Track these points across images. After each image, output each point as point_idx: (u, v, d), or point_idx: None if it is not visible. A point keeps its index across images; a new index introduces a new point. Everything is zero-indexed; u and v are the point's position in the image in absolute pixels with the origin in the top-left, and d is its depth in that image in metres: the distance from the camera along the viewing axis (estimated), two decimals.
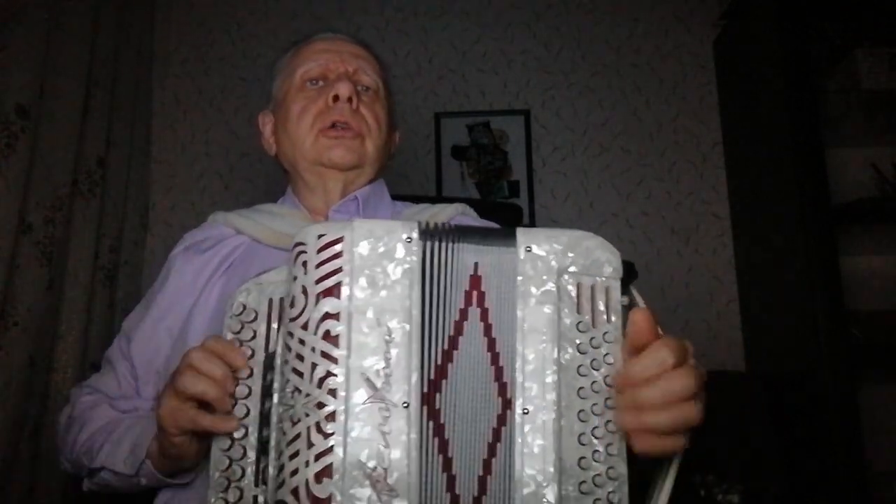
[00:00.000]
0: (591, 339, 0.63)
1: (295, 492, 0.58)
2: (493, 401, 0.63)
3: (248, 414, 0.65)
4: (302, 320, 0.62)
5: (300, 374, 0.61)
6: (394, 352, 0.61)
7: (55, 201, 1.65)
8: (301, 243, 0.65)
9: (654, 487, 0.65)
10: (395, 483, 0.58)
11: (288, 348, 0.63)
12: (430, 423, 0.61)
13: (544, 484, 0.60)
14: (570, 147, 2.15)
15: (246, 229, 1.01)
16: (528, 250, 0.65)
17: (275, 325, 0.67)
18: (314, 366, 0.61)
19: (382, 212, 1.06)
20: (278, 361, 0.65)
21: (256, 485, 0.63)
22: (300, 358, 0.62)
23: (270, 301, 0.68)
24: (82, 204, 1.78)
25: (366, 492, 0.58)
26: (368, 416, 0.59)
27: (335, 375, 0.60)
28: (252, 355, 0.67)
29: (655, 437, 0.61)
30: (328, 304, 0.62)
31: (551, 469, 0.60)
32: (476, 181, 2.13)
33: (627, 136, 2.14)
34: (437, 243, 0.65)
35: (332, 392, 0.60)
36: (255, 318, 0.68)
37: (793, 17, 1.75)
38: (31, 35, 1.56)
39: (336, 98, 0.99)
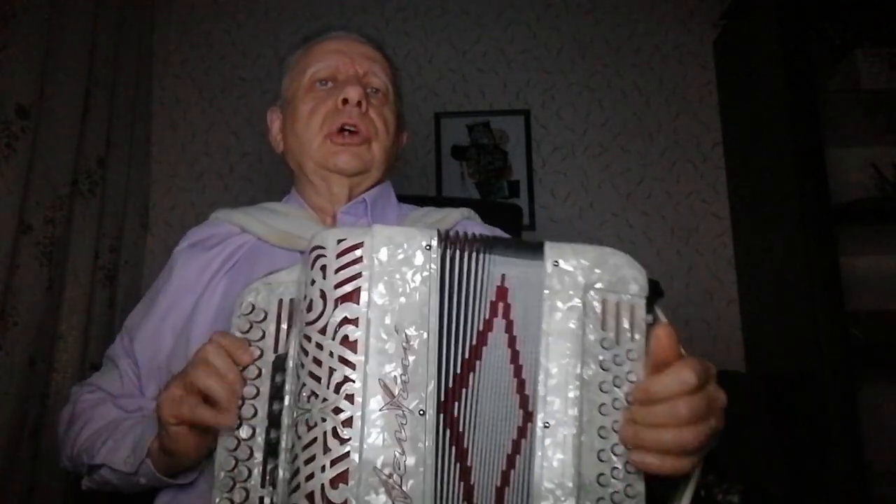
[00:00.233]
0: (615, 356, 0.64)
1: (310, 496, 0.58)
2: (514, 413, 0.63)
3: (255, 414, 0.65)
4: (320, 324, 0.62)
5: (317, 379, 0.61)
6: (411, 359, 0.61)
7: (55, 201, 1.65)
8: (320, 247, 0.65)
9: None
10: (411, 490, 0.58)
11: (304, 352, 0.63)
12: (448, 432, 0.61)
13: (562, 499, 0.60)
14: (570, 147, 2.15)
15: (251, 228, 1.00)
16: (556, 265, 0.65)
17: (284, 326, 0.67)
18: (332, 371, 0.61)
19: (389, 214, 1.06)
20: (291, 364, 0.65)
21: (263, 486, 0.63)
22: (317, 362, 0.61)
23: (280, 301, 0.68)
24: (82, 204, 1.78)
25: (381, 498, 0.58)
26: (385, 422, 0.59)
27: (352, 381, 0.60)
28: (261, 355, 0.67)
29: (660, 456, 0.60)
30: (347, 310, 0.62)
31: (570, 484, 0.60)
32: (476, 181, 2.13)
33: (627, 136, 2.14)
34: (458, 252, 0.65)
35: (350, 397, 0.60)
36: (265, 318, 0.67)
37: (793, 17, 1.75)
38: (31, 35, 1.56)
39: (345, 101, 0.99)
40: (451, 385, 0.62)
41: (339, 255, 0.64)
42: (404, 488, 0.58)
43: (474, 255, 0.66)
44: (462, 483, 0.61)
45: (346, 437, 0.59)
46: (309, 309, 0.63)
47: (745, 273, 2.01)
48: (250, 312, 0.68)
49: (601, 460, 0.61)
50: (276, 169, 2.08)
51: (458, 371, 0.63)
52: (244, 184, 2.13)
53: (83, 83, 1.75)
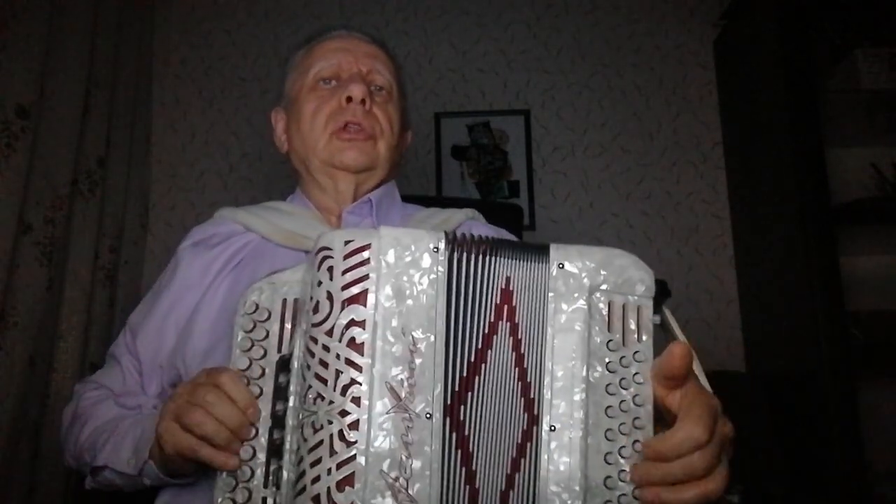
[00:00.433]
0: (621, 357, 0.63)
1: (316, 499, 0.58)
2: (519, 416, 0.62)
3: (258, 414, 0.65)
4: (326, 326, 0.62)
5: (323, 381, 0.61)
6: (418, 362, 0.61)
7: (55, 201, 1.65)
8: (327, 248, 0.64)
9: None
10: (417, 494, 0.58)
11: (310, 353, 0.62)
12: (454, 435, 0.61)
13: (569, 502, 0.60)
14: (570, 147, 2.15)
15: (255, 227, 1.00)
16: (561, 267, 0.65)
17: (288, 326, 0.67)
18: (338, 373, 0.61)
19: (394, 214, 1.06)
20: (296, 365, 0.64)
21: (266, 486, 0.63)
22: (324, 364, 0.61)
23: (284, 301, 0.67)
24: (82, 204, 1.78)
25: (387, 501, 0.58)
26: (391, 425, 0.59)
27: (359, 384, 0.60)
28: (264, 355, 0.66)
29: None
30: (354, 312, 0.62)
31: (577, 487, 0.60)
32: (476, 181, 2.13)
33: (627, 136, 2.14)
34: (464, 254, 0.65)
35: (356, 400, 0.60)
36: (269, 318, 0.67)
37: (793, 16, 1.75)
38: (31, 35, 1.56)
39: (349, 99, 0.99)
40: (457, 388, 0.62)
41: (346, 257, 0.63)
42: (410, 492, 0.58)
43: (478, 256, 0.65)
44: (467, 486, 0.60)
45: (353, 439, 0.59)
46: (315, 310, 0.63)
47: (745, 273, 2.01)
48: (254, 311, 0.67)
49: (608, 463, 0.61)
50: (276, 169, 2.08)
51: (465, 374, 0.62)
52: (244, 184, 2.13)
53: (83, 83, 1.75)
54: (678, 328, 0.67)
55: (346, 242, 0.64)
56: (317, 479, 0.59)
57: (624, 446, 0.61)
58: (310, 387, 0.62)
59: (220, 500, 0.63)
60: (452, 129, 2.15)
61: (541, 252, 0.66)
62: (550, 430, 0.61)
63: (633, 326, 0.64)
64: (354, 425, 0.59)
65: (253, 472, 0.64)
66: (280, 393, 0.65)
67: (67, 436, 0.95)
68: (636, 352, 0.63)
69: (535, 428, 0.62)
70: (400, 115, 1.06)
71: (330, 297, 0.63)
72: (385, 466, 0.58)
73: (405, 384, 0.60)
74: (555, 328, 0.63)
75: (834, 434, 1.56)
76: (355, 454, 0.58)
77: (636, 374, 0.63)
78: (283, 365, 0.65)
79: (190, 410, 0.65)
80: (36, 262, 1.59)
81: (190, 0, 2.23)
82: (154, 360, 0.95)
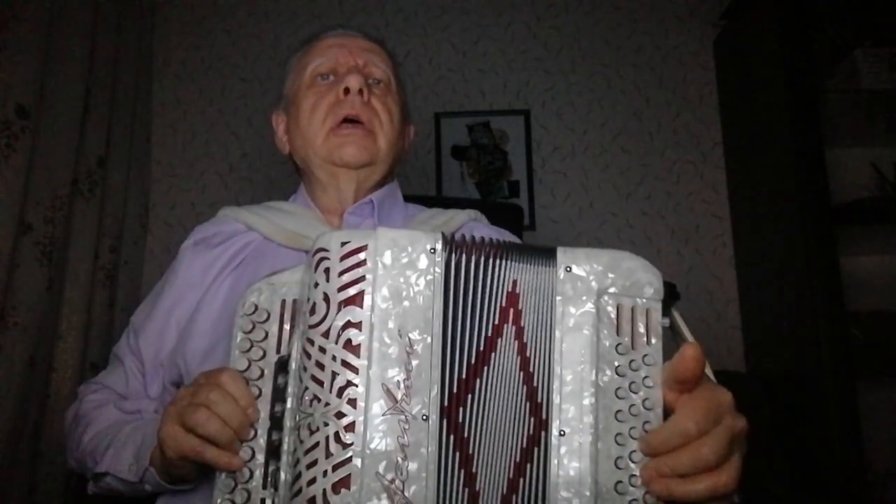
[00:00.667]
0: (631, 361, 0.63)
1: (312, 501, 0.58)
2: (524, 420, 0.62)
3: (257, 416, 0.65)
4: (323, 328, 0.62)
5: (320, 383, 0.61)
6: (414, 363, 0.61)
7: (55, 201, 1.65)
8: (324, 249, 0.64)
9: None
10: (413, 496, 0.58)
11: (307, 355, 0.62)
12: (452, 437, 0.60)
13: None
14: (570, 147, 2.15)
15: (257, 226, 1.00)
16: (568, 270, 0.64)
17: (287, 327, 0.66)
18: (334, 375, 0.60)
19: (396, 214, 1.06)
20: (293, 366, 0.64)
21: (265, 487, 0.63)
22: (320, 366, 0.61)
23: (283, 302, 0.67)
24: (82, 204, 1.78)
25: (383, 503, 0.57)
26: (388, 427, 0.59)
27: (355, 385, 0.60)
28: (263, 356, 0.66)
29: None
30: (350, 313, 0.62)
31: (587, 493, 0.59)
32: (476, 181, 2.13)
33: (627, 136, 2.14)
34: (463, 256, 0.65)
35: (352, 402, 0.59)
36: (268, 319, 0.67)
37: (793, 16, 1.75)
38: (31, 35, 1.56)
39: (347, 91, 0.99)
40: (455, 390, 0.61)
41: (342, 258, 0.63)
42: (406, 494, 0.58)
43: (482, 259, 0.65)
44: (467, 489, 0.60)
45: (349, 441, 0.58)
46: (312, 312, 0.63)
47: (745, 273, 2.01)
48: (253, 313, 0.67)
49: (618, 468, 0.60)
50: (276, 169, 2.08)
51: (464, 376, 0.62)
52: (244, 184, 2.13)
53: (83, 83, 1.75)
54: (688, 331, 0.66)
55: (343, 244, 0.64)
56: (313, 481, 0.58)
57: (634, 451, 0.61)
58: (306, 388, 0.61)
59: (219, 501, 0.63)
60: (452, 129, 2.14)
61: (548, 255, 0.65)
62: (560, 434, 0.61)
63: (641, 329, 0.63)
64: (350, 427, 0.59)
65: (252, 474, 0.63)
66: (279, 394, 0.65)
67: (70, 437, 0.95)
68: (645, 355, 0.63)
69: (543, 432, 0.61)
70: (399, 108, 1.05)
71: (326, 298, 0.62)
72: (381, 468, 0.58)
73: (401, 386, 0.60)
74: (563, 331, 0.63)
75: (834, 434, 1.56)
76: (351, 456, 0.58)
77: (646, 377, 0.62)
78: (282, 366, 0.65)
79: (193, 411, 0.65)
80: (36, 262, 1.59)
81: (190, 0, 2.23)
82: (156, 360, 0.96)
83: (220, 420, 0.64)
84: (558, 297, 0.64)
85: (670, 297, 0.65)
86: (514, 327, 0.64)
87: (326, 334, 0.61)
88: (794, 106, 1.71)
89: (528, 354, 0.63)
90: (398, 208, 1.07)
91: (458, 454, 0.60)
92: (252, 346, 0.66)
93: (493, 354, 0.63)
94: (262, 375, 0.66)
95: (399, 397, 0.60)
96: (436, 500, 0.58)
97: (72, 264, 1.74)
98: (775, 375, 1.80)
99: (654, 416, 0.62)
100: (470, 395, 0.62)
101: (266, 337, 0.67)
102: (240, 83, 2.18)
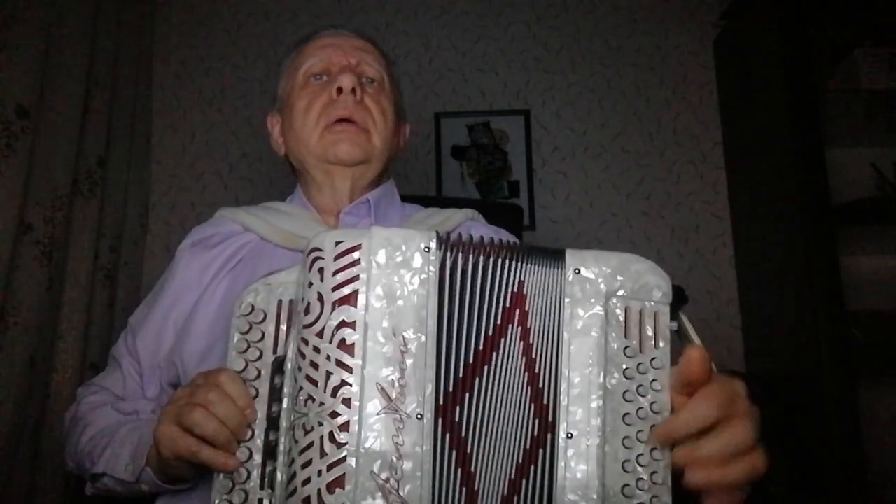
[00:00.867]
0: (639, 364, 0.63)
1: (307, 501, 0.58)
2: (528, 421, 0.62)
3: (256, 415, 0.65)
4: (317, 328, 0.62)
5: (314, 383, 0.61)
6: (409, 362, 0.60)
7: (55, 201, 1.65)
8: (318, 249, 0.64)
9: None
10: (408, 495, 0.58)
11: (302, 355, 0.62)
12: (448, 436, 0.60)
13: None
14: (570, 147, 2.15)
15: (254, 227, 1.00)
16: (577, 272, 0.64)
17: (283, 327, 0.66)
18: (329, 374, 0.60)
19: (392, 214, 1.06)
20: (289, 366, 0.64)
21: (262, 488, 0.63)
22: (314, 366, 0.61)
23: (280, 302, 0.67)
24: (82, 204, 1.78)
25: (377, 503, 0.57)
26: (382, 426, 0.59)
27: (350, 385, 0.60)
28: (260, 356, 0.66)
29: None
30: (344, 313, 0.62)
31: (594, 496, 0.59)
32: (476, 181, 2.13)
33: (627, 136, 2.14)
34: (459, 255, 0.64)
35: (347, 402, 0.59)
36: (264, 319, 0.67)
37: (793, 17, 1.75)
38: (31, 35, 1.56)
39: (340, 91, 0.98)
40: (451, 389, 0.61)
41: (336, 258, 0.63)
42: (401, 493, 0.58)
43: (481, 259, 0.65)
44: (464, 488, 0.60)
45: (343, 441, 0.58)
46: (306, 312, 0.63)
47: (745, 273, 2.01)
48: (249, 313, 0.67)
49: (626, 471, 0.60)
50: (276, 169, 2.08)
51: (461, 375, 0.62)
52: (244, 184, 2.13)
53: (83, 83, 1.75)
54: (695, 335, 0.66)
55: (337, 243, 0.64)
56: (307, 481, 0.58)
57: (641, 454, 0.60)
58: (301, 388, 0.61)
59: (216, 501, 0.63)
60: (452, 129, 2.14)
61: (557, 257, 0.65)
62: (567, 437, 0.60)
63: (650, 333, 0.63)
64: (345, 427, 0.59)
65: (249, 474, 0.63)
66: (275, 395, 0.64)
67: (68, 439, 0.95)
68: (653, 358, 0.63)
69: (549, 434, 0.61)
70: (394, 107, 1.05)
71: (321, 298, 0.62)
72: (376, 468, 0.58)
73: (396, 385, 0.60)
74: (571, 334, 0.63)
75: (834, 434, 1.56)
76: (346, 455, 0.58)
77: (653, 380, 0.62)
78: (278, 367, 0.65)
79: (190, 410, 0.65)
80: (36, 262, 1.59)
81: (190, 0, 2.23)
82: (153, 361, 0.96)
83: (217, 420, 0.63)
84: (567, 299, 0.64)
85: (679, 300, 0.65)
86: (520, 328, 0.64)
87: (321, 334, 0.61)
88: (794, 106, 1.70)
89: (534, 355, 0.63)
90: (395, 208, 1.07)
91: (454, 453, 0.60)
92: (249, 347, 0.66)
93: (494, 354, 0.63)
94: (258, 376, 0.65)
95: (393, 396, 0.60)
96: (431, 499, 0.58)
97: (72, 264, 1.74)
98: (775, 375, 1.80)
99: (661, 419, 0.62)
100: (468, 395, 0.61)
101: (263, 337, 0.67)
102: (240, 83, 2.18)
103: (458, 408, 0.61)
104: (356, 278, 0.62)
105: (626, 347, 0.63)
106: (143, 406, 0.95)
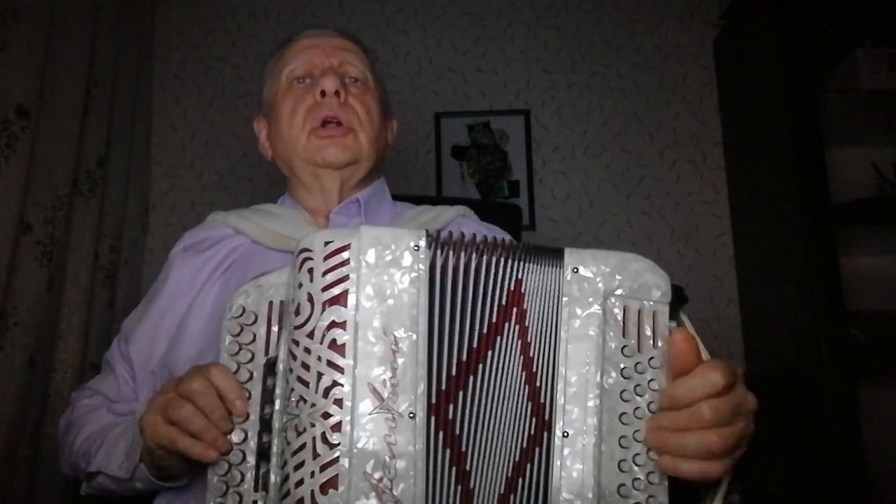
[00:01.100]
0: (637, 363, 0.62)
1: (300, 502, 0.58)
2: (524, 420, 0.62)
3: (247, 418, 0.64)
4: (307, 328, 0.62)
5: (305, 384, 0.60)
6: (400, 361, 0.60)
7: (55, 201, 1.65)
8: (307, 249, 0.64)
9: None
10: (401, 494, 0.58)
11: (293, 356, 0.62)
12: (441, 435, 0.60)
13: None
14: (570, 147, 2.15)
15: (245, 230, 1.00)
16: (575, 271, 0.64)
17: (275, 328, 0.66)
18: (320, 375, 0.60)
19: (383, 213, 1.05)
20: (281, 367, 0.64)
21: (256, 490, 0.63)
22: (305, 367, 0.61)
23: (270, 304, 0.67)
24: (82, 204, 1.78)
25: (371, 503, 0.57)
26: (375, 426, 0.59)
27: (341, 385, 0.60)
28: (252, 358, 0.66)
29: (686, 460, 0.58)
30: (334, 313, 0.61)
31: (590, 495, 0.59)
32: (476, 181, 2.13)
33: (627, 136, 2.14)
34: (450, 253, 0.64)
35: (338, 402, 0.59)
36: (255, 321, 0.67)
37: (793, 16, 1.75)
38: (31, 35, 1.55)
39: (323, 93, 0.98)
40: (444, 387, 0.61)
41: (325, 258, 0.63)
42: (395, 492, 0.58)
43: (473, 257, 0.64)
44: (459, 486, 0.59)
45: (336, 441, 0.58)
46: (297, 312, 0.62)
47: (745, 273, 2.01)
48: (240, 315, 0.67)
49: (622, 470, 0.60)
50: (276, 169, 2.05)
51: (454, 374, 0.61)
52: (244, 184, 2.13)
53: (83, 83, 1.74)
54: (695, 334, 0.66)
55: (326, 243, 0.63)
56: (300, 483, 0.58)
57: (638, 454, 0.60)
58: (292, 390, 0.61)
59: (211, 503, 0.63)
60: (452, 129, 2.14)
61: (555, 256, 0.65)
62: (563, 435, 0.60)
63: (648, 332, 0.63)
64: (337, 427, 0.59)
65: (243, 476, 0.63)
66: (268, 396, 0.64)
67: (63, 443, 0.95)
68: (651, 358, 0.62)
69: (545, 433, 0.61)
70: (379, 104, 1.05)
71: (311, 298, 0.62)
72: (369, 468, 0.58)
73: (388, 384, 0.60)
74: (569, 333, 0.63)
75: (834, 434, 1.56)
76: (338, 456, 0.58)
77: (651, 380, 0.62)
78: (270, 368, 0.65)
79: (175, 401, 0.65)
80: (36, 262, 1.59)
81: (190, 0, 2.23)
82: (146, 366, 0.95)
83: (197, 410, 0.64)
84: (565, 298, 0.63)
85: (678, 300, 0.65)
86: (517, 326, 0.63)
87: (311, 335, 0.61)
88: (794, 106, 1.70)
89: (531, 354, 0.63)
90: (385, 206, 1.07)
91: (448, 451, 0.60)
92: (240, 349, 0.66)
93: (490, 352, 0.63)
94: (251, 378, 0.65)
95: (385, 396, 0.59)
96: (425, 498, 0.58)
97: (72, 264, 1.74)
98: (775, 375, 1.80)
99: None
100: (462, 393, 0.61)
101: (254, 339, 0.66)
102: (240, 83, 2.18)
103: (451, 406, 0.61)
104: (346, 278, 0.62)
105: (624, 347, 0.63)
106: (137, 408, 0.94)
